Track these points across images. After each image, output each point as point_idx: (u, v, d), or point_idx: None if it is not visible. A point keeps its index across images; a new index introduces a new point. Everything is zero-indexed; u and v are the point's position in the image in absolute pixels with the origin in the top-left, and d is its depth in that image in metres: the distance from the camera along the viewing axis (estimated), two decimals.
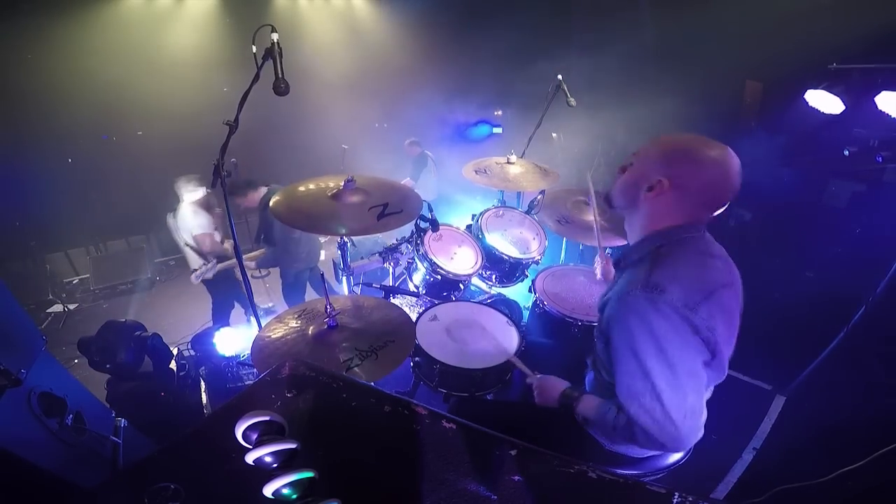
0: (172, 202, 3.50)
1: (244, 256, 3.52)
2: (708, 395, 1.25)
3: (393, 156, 6.10)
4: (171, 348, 2.97)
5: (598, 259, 1.95)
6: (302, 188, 2.05)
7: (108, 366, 2.51)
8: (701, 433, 1.09)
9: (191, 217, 3.37)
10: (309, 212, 1.91)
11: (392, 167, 5.95)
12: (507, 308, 2.32)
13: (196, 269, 3.24)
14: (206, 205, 3.50)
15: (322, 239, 4.07)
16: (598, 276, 1.95)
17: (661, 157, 1.15)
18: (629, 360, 1.06)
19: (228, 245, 3.43)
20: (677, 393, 1.03)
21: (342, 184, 1.95)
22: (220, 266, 3.32)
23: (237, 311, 3.90)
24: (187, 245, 3.42)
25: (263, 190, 3.46)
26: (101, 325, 2.61)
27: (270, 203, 1.98)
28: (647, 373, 1.03)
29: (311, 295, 3.83)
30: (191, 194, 3.41)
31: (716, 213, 1.17)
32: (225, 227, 3.75)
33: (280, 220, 1.91)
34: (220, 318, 3.76)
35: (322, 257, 3.91)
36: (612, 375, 1.17)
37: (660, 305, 1.02)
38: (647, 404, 1.04)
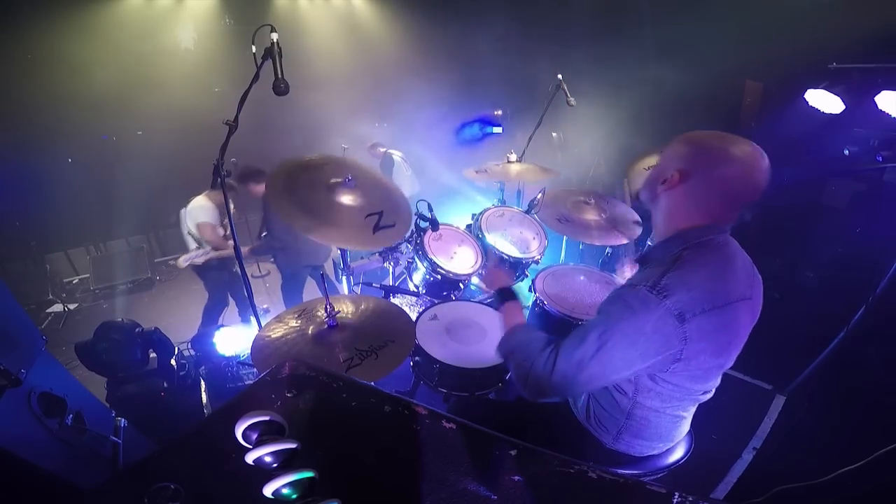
0: (176, 200, 3.51)
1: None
2: (707, 397, 1.25)
3: None
4: None
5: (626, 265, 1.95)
6: (302, 165, 2.01)
7: (117, 365, 2.50)
8: (558, 396, 1.11)
9: (198, 207, 3.40)
10: (306, 205, 1.87)
11: None
12: None
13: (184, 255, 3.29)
14: (218, 200, 3.49)
15: None
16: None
17: (680, 151, 1.14)
18: (586, 326, 1.09)
19: (191, 255, 3.44)
20: (577, 364, 1.05)
21: (343, 180, 1.95)
22: (212, 254, 3.34)
23: (230, 310, 3.88)
24: (189, 234, 3.44)
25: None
26: (97, 327, 2.60)
27: (266, 183, 1.97)
28: (582, 339, 1.06)
29: (315, 294, 3.84)
30: (210, 192, 3.44)
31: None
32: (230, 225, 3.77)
33: (271, 203, 1.88)
34: (212, 316, 3.74)
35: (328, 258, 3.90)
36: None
37: (653, 307, 1.01)
38: (560, 356, 1.07)
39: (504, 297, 1.46)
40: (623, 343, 1.03)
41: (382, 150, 5.55)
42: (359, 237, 1.90)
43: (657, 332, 1.02)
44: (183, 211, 3.49)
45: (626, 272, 1.92)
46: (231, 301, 3.85)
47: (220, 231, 3.52)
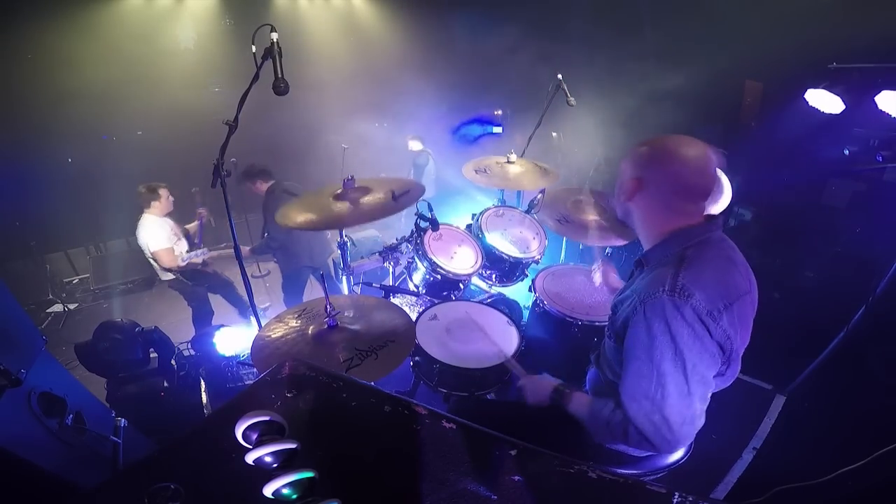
0: (176, 199, 3.51)
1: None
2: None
3: (393, 155, 6.10)
4: None
5: (598, 264, 1.95)
6: (303, 204, 2.09)
7: (117, 365, 2.50)
8: (691, 439, 1.10)
9: (147, 231, 3.30)
10: (321, 214, 1.95)
11: (392, 166, 5.95)
12: (507, 307, 2.32)
13: (181, 253, 3.28)
14: (167, 211, 3.44)
15: (329, 236, 4.05)
16: (597, 282, 1.94)
17: (631, 161, 1.19)
18: (643, 362, 1.05)
19: (192, 254, 3.44)
20: (683, 400, 1.02)
21: (342, 185, 1.97)
22: (211, 254, 3.33)
23: (230, 310, 3.88)
24: (151, 258, 3.41)
25: (270, 182, 3.51)
26: (96, 327, 2.60)
27: (277, 216, 1.99)
28: (659, 376, 1.02)
29: (317, 294, 3.83)
30: (152, 205, 3.36)
31: (710, 206, 1.17)
32: (195, 234, 3.76)
33: (295, 227, 1.93)
34: (202, 324, 3.69)
35: (329, 259, 3.90)
36: (617, 374, 1.16)
37: (685, 311, 1.01)
38: (648, 407, 1.04)
39: (560, 396, 1.33)
40: (694, 353, 1.02)
41: (419, 147, 5.67)
42: (384, 206, 1.97)
43: (704, 328, 1.02)
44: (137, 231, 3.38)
45: (598, 274, 1.94)
46: (224, 302, 3.83)
47: (181, 249, 3.43)
